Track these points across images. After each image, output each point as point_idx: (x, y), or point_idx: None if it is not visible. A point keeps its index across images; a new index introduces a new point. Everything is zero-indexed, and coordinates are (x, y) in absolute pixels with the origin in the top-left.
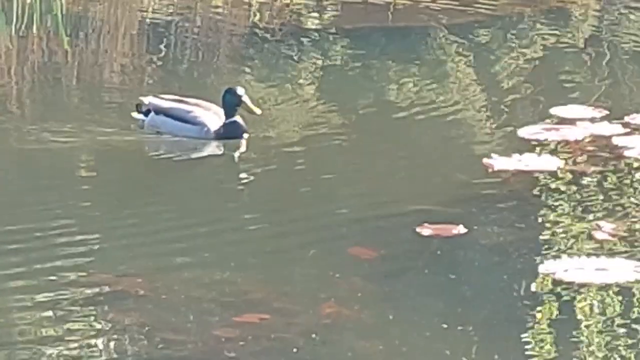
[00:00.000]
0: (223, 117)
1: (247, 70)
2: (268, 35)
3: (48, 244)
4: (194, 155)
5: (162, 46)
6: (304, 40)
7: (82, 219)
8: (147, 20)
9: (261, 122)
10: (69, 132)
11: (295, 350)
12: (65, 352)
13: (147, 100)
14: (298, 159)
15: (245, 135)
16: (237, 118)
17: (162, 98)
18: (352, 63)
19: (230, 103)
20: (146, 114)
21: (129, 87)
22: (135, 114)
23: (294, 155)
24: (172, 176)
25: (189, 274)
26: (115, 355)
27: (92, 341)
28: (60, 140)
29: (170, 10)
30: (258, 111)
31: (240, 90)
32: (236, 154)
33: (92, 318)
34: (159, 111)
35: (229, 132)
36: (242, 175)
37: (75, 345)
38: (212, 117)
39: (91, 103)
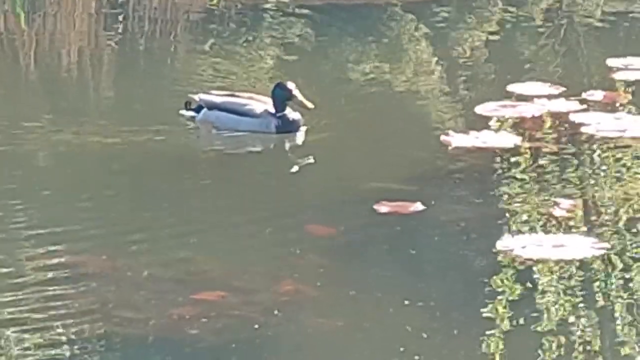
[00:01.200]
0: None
1: (206, 49)
2: (226, 14)
3: (9, 224)
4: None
5: (119, 26)
6: (262, 18)
7: (42, 201)
8: (104, 0)
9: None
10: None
11: (256, 327)
12: (26, 332)
13: (198, 97)
14: (254, 135)
15: (302, 129)
16: (289, 111)
17: (212, 94)
18: (310, 41)
19: (281, 97)
20: (197, 110)
21: (85, 68)
22: (184, 112)
23: (250, 136)
24: (130, 159)
25: (148, 253)
26: (74, 335)
27: (52, 322)
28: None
29: None
30: (310, 105)
31: (290, 85)
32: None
33: (52, 297)
34: (212, 107)
35: (288, 126)
36: (201, 156)
37: (35, 325)
38: (270, 110)
39: (46, 85)
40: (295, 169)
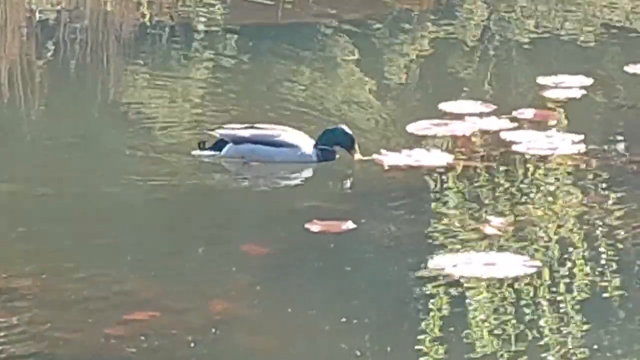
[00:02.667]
0: (306, 140)
1: (138, 68)
2: (157, 33)
3: None
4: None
5: (51, 44)
6: (194, 37)
7: None
8: (36, 17)
9: (151, 119)
10: None
11: (192, 345)
12: None
13: (217, 133)
14: (189, 156)
15: (337, 157)
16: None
17: (232, 128)
18: (241, 60)
19: (336, 140)
20: (217, 147)
21: (15, 89)
22: (198, 152)
23: (184, 151)
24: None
25: (79, 273)
26: (5, 356)
27: None
28: None
29: (59, 8)
30: (359, 157)
31: (349, 132)
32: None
33: None
34: (239, 141)
35: (326, 155)
36: (134, 177)
37: None
38: (304, 139)
39: None
40: (231, 188)
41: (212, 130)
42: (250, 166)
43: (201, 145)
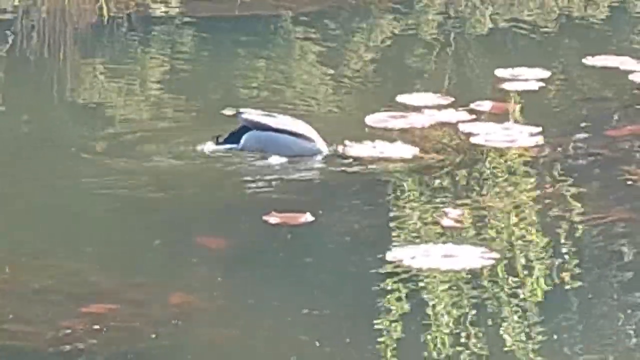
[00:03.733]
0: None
1: (96, 61)
2: (115, 26)
3: None
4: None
5: (7, 39)
6: (152, 30)
7: None
8: None
9: (110, 114)
10: None
11: (153, 336)
12: None
13: (241, 118)
14: (145, 148)
15: None
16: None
17: (251, 112)
18: (199, 53)
19: None
20: (234, 139)
21: None
22: (215, 147)
23: (141, 144)
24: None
25: (36, 265)
26: None
27: None
28: None
29: (16, 2)
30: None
31: None
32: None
33: None
34: (263, 128)
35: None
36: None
37: None
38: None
39: None
40: (188, 180)
41: (231, 113)
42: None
43: (216, 140)
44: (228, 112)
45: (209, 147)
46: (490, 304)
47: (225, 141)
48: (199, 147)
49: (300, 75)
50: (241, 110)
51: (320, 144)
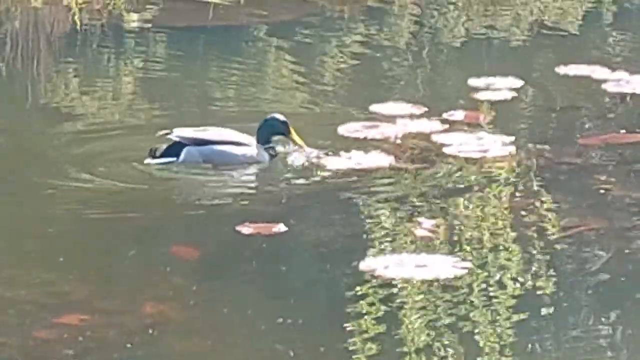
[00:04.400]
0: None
1: (69, 71)
2: (88, 36)
3: None
4: None
5: None
6: (125, 40)
7: None
8: None
9: (80, 123)
10: None
11: (125, 348)
12: None
13: (175, 135)
14: (120, 159)
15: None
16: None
17: (185, 130)
18: (172, 62)
19: (275, 130)
20: (172, 153)
21: None
22: (152, 161)
23: (109, 153)
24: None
25: (7, 275)
26: None
27: None
28: None
29: None
30: (304, 146)
31: (285, 119)
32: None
33: None
34: (200, 142)
35: (272, 153)
36: (64, 181)
37: None
38: (253, 140)
39: None
40: (161, 190)
41: (164, 133)
42: (214, 169)
43: (153, 153)
44: (162, 132)
45: (147, 160)
46: (463, 313)
47: (162, 155)
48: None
49: (273, 85)
50: (173, 130)
51: (260, 150)
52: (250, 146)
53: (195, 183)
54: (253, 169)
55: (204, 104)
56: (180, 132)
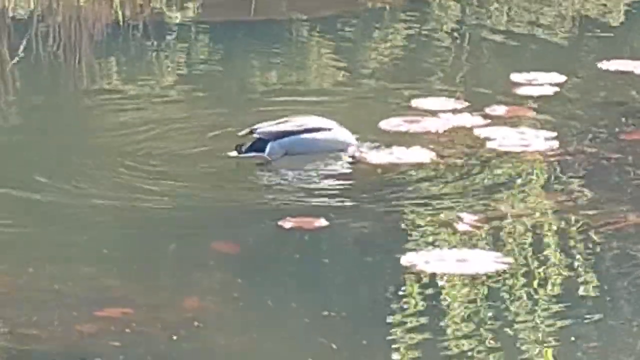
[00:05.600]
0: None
1: (111, 67)
2: (131, 32)
3: None
4: None
5: (23, 42)
6: (167, 35)
7: None
8: (8, 16)
9: (124, 117)
10: None
11: (166, 342)
12: None
13: (257, 132)
14: (159, 153)
15: None
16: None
17: (266, 125)
18: (214, 57)
19: None
20: (258, 148)
21: None
22: (237, 154)
23: (156, 149)
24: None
25: (50, 269)
26: None
27: None
28: None
29: (32, 7)
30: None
31: None
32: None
33: None
34: (280, 135)
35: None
36: (108, 176)
37: None
38: (336, 126)
39: None
40: (203, 185)
41: (247, 132)
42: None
43: (239, 149)
44: (243, 132)
45: (233, 155)
46: (504, 309)
47: (248, 150)
48: (223, 154)
49: (314, 80)
50: (255, 126)
51: (343, 133)
52: (331, 130)
53: (236, 178)
54: (291, 164)
55: (246, 99)
56: (261, 130)
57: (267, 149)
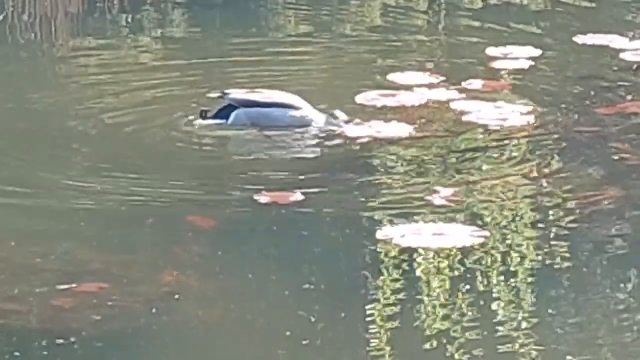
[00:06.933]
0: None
1: (88, 44)
2: (108, 7)
3: None
4: None
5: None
6: (145, 10)
7: None
8: None
9: (99, 92)
10: None
11: (143, 316)
12: None
13: (227, 98)
14: (133, 126)
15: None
16: None
17: (235, 92)
18: (190, 32)
19: None
20: (222, 115)
21: None
22: (203, 122)
23: (129, 122)
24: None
25: (26, 244)
26: None
27: None
28: None
29: None
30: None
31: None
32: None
33: None
34: (250, 104)
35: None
36: (83, 150)
37: None
38: (306, 103)
39: None
40: (177, 160)
41: (218, 96)
42: (262, 133)
43: (203, 115)
44: (213, 94)
45: (197, 121)
46: (481, 282)
47: (214, 117)
48: (189, 121)
49: (290, 54)
50: (226, 91)
51: (312, 113)
52: (299, 109)
53: (211, 151)
54: (297, 134)
55: (222, 73)
56: (233, 95)
57: (232, 117)
